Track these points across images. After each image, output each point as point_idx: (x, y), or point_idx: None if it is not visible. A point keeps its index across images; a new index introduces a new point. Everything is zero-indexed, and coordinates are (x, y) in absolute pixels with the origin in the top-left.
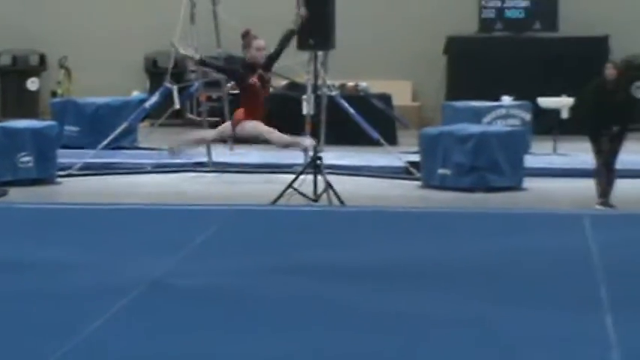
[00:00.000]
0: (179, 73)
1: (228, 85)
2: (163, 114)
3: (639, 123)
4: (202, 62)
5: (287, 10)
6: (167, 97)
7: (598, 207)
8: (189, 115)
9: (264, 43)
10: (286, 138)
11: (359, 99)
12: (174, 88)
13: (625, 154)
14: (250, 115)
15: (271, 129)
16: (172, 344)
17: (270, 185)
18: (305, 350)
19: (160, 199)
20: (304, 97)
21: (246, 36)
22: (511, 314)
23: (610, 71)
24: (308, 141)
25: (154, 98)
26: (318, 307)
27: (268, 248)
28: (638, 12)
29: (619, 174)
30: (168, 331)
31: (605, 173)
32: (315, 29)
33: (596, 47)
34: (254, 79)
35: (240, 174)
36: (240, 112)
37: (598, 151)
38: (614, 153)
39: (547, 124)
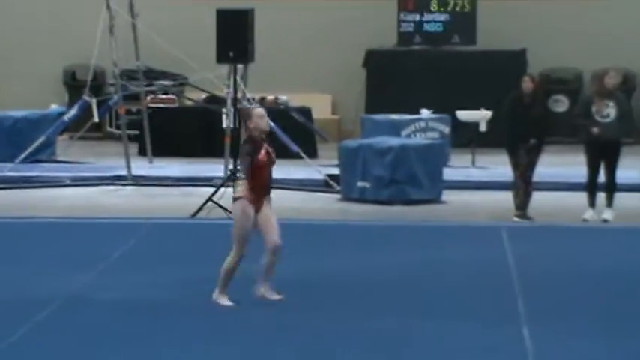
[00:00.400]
0: (98, 86)
1: (148, 97)
2: (82, 127)
3: (556, 136)
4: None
5: (202, 19)
6: (86, 110)
7: (516, 219)
8: (109, 129)
9: (264, 111)
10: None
11: (279, 112)
12: (93, 101)
13: (542, 166)
14: (253, 194)
15: (242, 252)
16: (91, 357)
17: (190, 198)
18: None
19: (79, 212)
20: (224, 110)
21: (242, 110)
22: (430, 325)
23: (527, 84)
24: (275, 296)
25: (73, 111)
26: (235, 319)
27: (187, 262)
28: (554, 26)
29: (536, 186)
30: (87, 345)
31: (523, 186)
32: (234, 42)
33: (514, 61)
34: (262, 155)
35: (160, 187)
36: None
37: (515, 164)
38: (531, 166)
39: (466, 137)
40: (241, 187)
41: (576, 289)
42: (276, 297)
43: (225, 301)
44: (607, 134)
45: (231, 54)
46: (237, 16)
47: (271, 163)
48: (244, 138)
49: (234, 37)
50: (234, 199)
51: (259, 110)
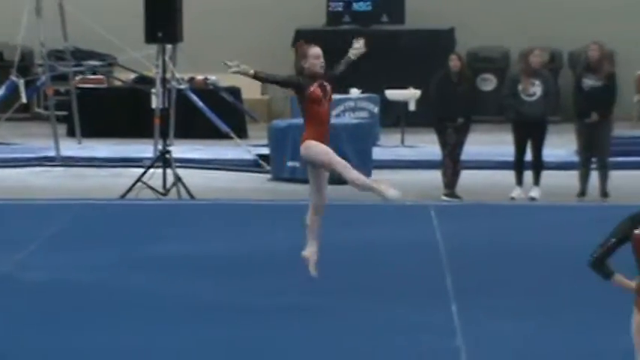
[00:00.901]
0: (26, 67)
1: (77, 78)
2: (10, 108)
3: (484, 114)
4: (258, 77)
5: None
6: (13, 90)
7: (444, 198)
8: (37, 109)
9: (320, 51)
10: (365, 180)
11: (208, 92)
12: (21, 82)
13: (470, 145)
14: (314, 133)
15: (346, 163)
16: (21, 337)
17: (120, 179)
18: (151, 342)
19: (7, 193)
20: (153, 91)
21: (300, 47)
22: (361, 304)
23: (454, 63)
24: (392, 191)
25: (0, 92)
26: (164, 299)
27: (117, 242)
28: (483, 4)
29: (464, 165)
30: (17, 325)
31: (451, 164)
32: (163, 22)
33: (442, 40)
34: (314, 87)
35: (89, 168)
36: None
37: (444, 143)
38: (459, 144)
39: (394, 117)
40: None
41: (504, 266)
42: (312, 270)
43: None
44: (532, 113)
45: (159, 34)
46: None
47: (327, 97)
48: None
49: (163, 17)
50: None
51: (316, 50)
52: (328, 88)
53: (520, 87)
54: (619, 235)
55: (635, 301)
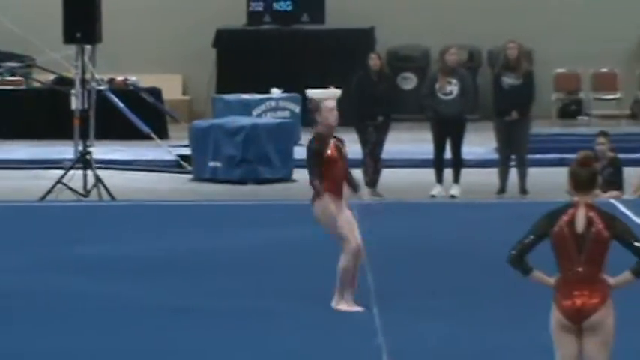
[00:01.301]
0: None
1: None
2: None
3: (405, 113)
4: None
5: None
6: None
7: (365, 197)
8: None
9: (334, 103)
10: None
11: (128, 93)
12: None
13: (391, 144)
14: (330, 189)
15: (343, 223)
16: None
17: (39, 181)
18: (70, 343)
19: None
20: (73, 91)
21: (314, 103)
22: (282, 305)
23: (374, 61)
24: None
25: None
26: (84, 301)
27: (36, 244)
28: (403, 4)
29: (385, 163)
30: None
31: (372, 163)
32: (81, 22)
33: (363, 39)
34: (331, 150)
35: (8, 170)
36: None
37: (364, 142)
38: (380, 143)
39: None
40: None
41: (425, 264)
42: (358, 309)
43: (350, 307)
44: (449, 111)
45: (78, 35)
46: None
47: (343, 157)
48: (312, 135)
49: (81, 18)
50: (312, 201)
51: (330, 103)
52: (343, 145)
53: (437, 86)
54: (537, 232)
55: (553, 297)
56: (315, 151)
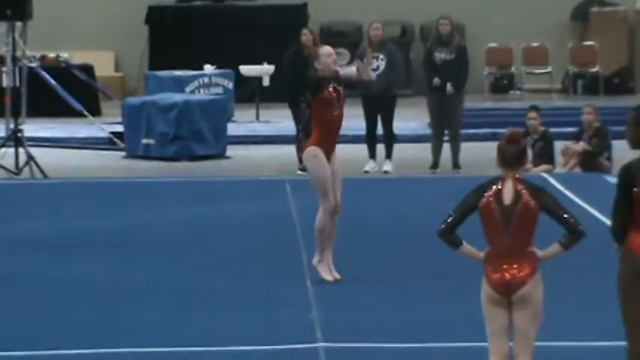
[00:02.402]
0: None
1: None
2: None
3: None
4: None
5: None
6: None
7: (300, 172)
8: None
9: (332, 49)
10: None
11: (60, 70)
12: None
13: None
14: (321, 139)
15: (323, 180)
16: None
17: None
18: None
19: None
20: (4, 69)
21: (308, 45)
22: (219, 280)
23: (306, 37)
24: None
25: None
26: (14, 278)
27: None
28: None
29: None
30: None
31: (305, 139)
32: None
33: (295, 14)
34: (328, 90)
35: None
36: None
37: (298, 118)
38: (312, 119)
39: (249, 92)
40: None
41: (359, 239)
42: (333, 277)
43: (325, 274)
44: (377, 87)
45: (8, 11)
46: None
47: (339, 101)
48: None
49: None
50: (304, 150)
51: (327, 49)
52: (342, 92)
53: (364, 61)
54: (465, 205)
55: (484, 271)
56: (315, 76)
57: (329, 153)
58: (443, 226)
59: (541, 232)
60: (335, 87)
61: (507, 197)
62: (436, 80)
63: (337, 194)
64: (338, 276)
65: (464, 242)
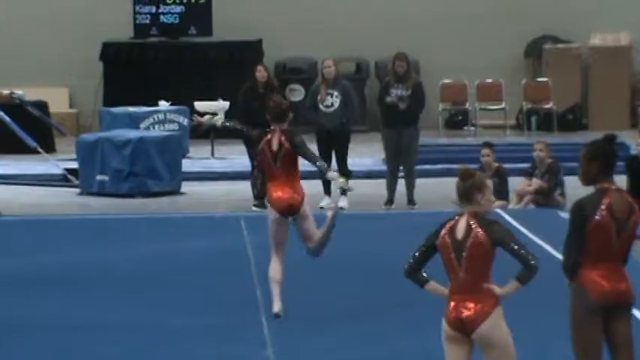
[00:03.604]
0: None
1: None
2: None
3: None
4: (225, 127)
5: None
6: None
7: (254, 209)
8: None
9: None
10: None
11: (14, 107)
12: None
13: None
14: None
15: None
16: None
17: None
18: None
19: None
20: None
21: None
22: (174, 319)
23: (261, 73)
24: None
25: None
26: None
27: None
28: (289, 16)
29: None
30: None
31: (261, 175)
32: None
33: (250, 51)
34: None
35: None
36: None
37: (253, 154)
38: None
39: (204, 129)
40: None
41: (314, 275)
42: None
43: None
44: (331, 123)
45: None
46: None
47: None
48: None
49: None
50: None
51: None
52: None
53: (319, 97)
54: (427, 243)
55: (445, 308)
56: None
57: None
58: (407, 265)
59: (502, 267)
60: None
61: (460, 232)
62: (390, 99)
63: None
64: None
65: (430, 280)
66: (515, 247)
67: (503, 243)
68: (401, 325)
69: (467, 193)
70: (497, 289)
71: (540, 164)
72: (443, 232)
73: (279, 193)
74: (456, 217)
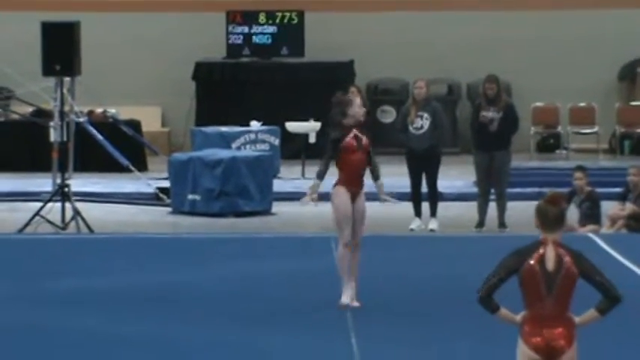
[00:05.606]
0: None
1: None
2: None
3: (384, 146)
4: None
5: (28, 31)
6: None
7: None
8: None
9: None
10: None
11: (108, 125)
12: None
13: (369, 177)
14: (344, 178)
15: (341, 216)
16: None
17: (17, 213)
18: None
19: None
20: (51, 124)
21: (344, 100)
22: (265, 336)
23: (354, 94)
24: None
25: None
26: (62, 336)
27: (14, 277)
28: (380, 38)
29: (366, 197)
30: None
31: None
32: (61, 54)
33: (342, 72)
34: (349, 139)
35: None
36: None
37: None
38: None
39: (295, 149)
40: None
41: (404, 297)
42: (351, 303)
43: (344, 299)
44: (421, 145)
45: (57, 67)
46: (62, 28)
47: (361, 148)
48: (333, 125)
49: (60, 50)
50: (334, 185)
51: (359, 100)
52: (364, 140)
53: (409, 120)
54: (506, 270)
55: (520, 332)
56: (333, 138)
57: (354, 192)
58: (482, 291)
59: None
60: (356, 135)
61: (550, 263)
62: (482, 117)
63: (357, 231)
64: (357, 304)
65: (501, 307)
66: (602, 280)
67: (589, 275)
68: (484, 348)
69: (555, 221)
70: (577, 319)
71: (634, 188)
72: (531, 260)
73: None
74: (539, 246)
